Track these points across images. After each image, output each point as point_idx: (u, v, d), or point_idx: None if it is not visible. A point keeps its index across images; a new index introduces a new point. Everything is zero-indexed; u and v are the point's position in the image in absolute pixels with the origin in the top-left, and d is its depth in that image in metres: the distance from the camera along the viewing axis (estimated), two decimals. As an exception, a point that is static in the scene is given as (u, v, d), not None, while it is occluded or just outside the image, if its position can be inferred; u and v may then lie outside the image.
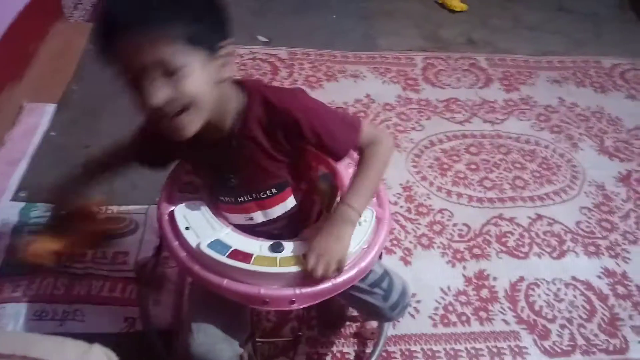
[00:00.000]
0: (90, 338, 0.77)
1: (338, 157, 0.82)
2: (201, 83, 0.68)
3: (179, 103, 0.67)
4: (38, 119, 1.57)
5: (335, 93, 1.80)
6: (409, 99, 1.83)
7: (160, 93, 0.66)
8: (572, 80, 2.01)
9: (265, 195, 0.83)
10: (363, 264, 0.79)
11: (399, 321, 1.15)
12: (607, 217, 1.48)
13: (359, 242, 0.79)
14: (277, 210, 0.85)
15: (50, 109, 1.61)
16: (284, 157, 0.80)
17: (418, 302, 1.21)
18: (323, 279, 0.74)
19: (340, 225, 0.77)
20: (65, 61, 1.81)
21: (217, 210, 0.85)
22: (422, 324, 1.18)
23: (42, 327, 1.07)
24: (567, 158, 1.67)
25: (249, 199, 0.83)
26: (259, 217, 0.85)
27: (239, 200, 0.83)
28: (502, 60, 2.08)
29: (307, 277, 0.74)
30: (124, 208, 1.33)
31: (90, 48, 1.89)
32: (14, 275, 1.15)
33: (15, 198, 1.33)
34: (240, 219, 0.85)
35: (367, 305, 0.89)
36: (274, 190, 0.82)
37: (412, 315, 1.19)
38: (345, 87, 1.85)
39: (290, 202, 0.85)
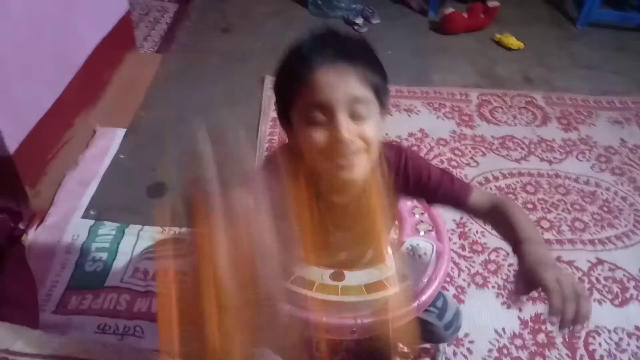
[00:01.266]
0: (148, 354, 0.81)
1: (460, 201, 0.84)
2: (376, 132, 0.73)
3: (359, 145, 0.71)
4: (109, 142, 1.67)
5: (389, 127, 1.82)
6: (464, 135, 1.83)
7: (351, 130, 0.70)
8: (635, 122, 1.95)
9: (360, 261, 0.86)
10: (423, 298, 0.79)
11: (450, 345, 1.13)
12: (675, 266, 1.41)
13: (418, 276, 0.80)
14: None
15: (120, 133, 1.71)
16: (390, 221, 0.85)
17: (471, 342, 1.19)
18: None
19: (546, 253, 0.72)
20: (135, 89, 1.93)
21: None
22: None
23: (104, 340, 1.12)
24: (630, 202, 1.61)
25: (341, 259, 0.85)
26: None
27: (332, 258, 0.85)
28: (560, 98, 2.05)
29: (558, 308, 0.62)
30: (184, 230, 1.38)
31: (158, 77, 2.02)
32: (81, 288, 1.22)
33: (85, 216, 1.41)
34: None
35: (422, 323, 0.89)
36: (369, 256, 0.86)
37: (465, 356, 1.16)
38: (399, 121, 1.87)
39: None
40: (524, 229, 0.74)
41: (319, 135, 0.70)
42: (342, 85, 0.69)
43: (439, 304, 0.90)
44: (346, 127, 0.69)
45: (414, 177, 0.82)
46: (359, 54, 0.72)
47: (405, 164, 0.82)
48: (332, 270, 0.80)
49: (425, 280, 0.81)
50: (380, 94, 0.74)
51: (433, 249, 0.84)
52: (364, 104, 0.70)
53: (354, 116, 0.70)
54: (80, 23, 1.66)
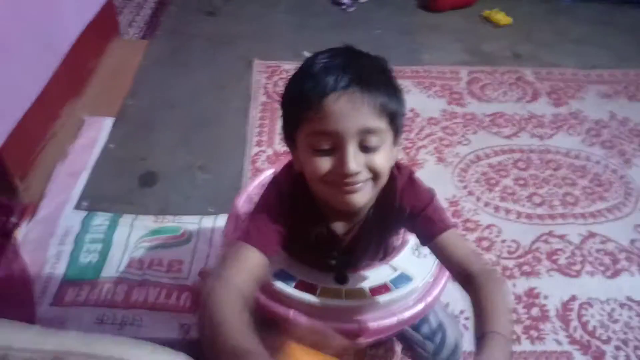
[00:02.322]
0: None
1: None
2: (387, 162, 0.70)
3: (366, 176, 0.68)
4: (97, 132, 1.65)
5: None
6: (454, 113, 1.83)
7: (359, 161, 0.66)
8: (624, 94, 1.96)
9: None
10: (430, 299, 0.79)
11: None
12: (664, 236, 1.43)
13: (424, 276, 0.79)
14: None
15: (108, 122, 1.69)
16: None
17: (467, 319, 1.20)
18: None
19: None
20: (121, 77, 1.91)
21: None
22: (472, 342, 1.16)
23: (102, 331, 1.12)
24: (620, 174, 1.62)
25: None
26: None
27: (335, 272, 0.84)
28: (550, 73, 2.05)
29: None
30: (178, 218, 1.38)
31: (144, 64, 1.99)
32: (77, 280, 1.21)
33: (78, 207, 1.40)
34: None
35: (416, 355, 0.89)
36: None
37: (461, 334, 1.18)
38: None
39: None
40: (497, 320, 0.64)
41: (324, 164, 0.67)
42: (354, 115, 0.64)
43: (437, 339, 0.87)
44: (354, 159, 0.65)
45: (411, 207, 0.77)
46: (377, 79, 0.67)
47: (408, 190, 0.77)
48: (334, 273, 0.80)
49: (431, 280, 0.81)
50: (396, 122, 0.69)
51: None
52: (376, 135, 0.66)
53: (364, 146, 0.66)
54: (62, 10, 1.62)
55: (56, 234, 1.31)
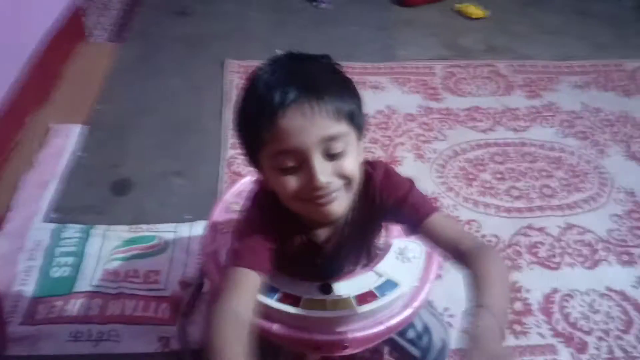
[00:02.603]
0: (125, 359, 0.78)
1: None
2: (356, 164, 0.67)
3: (338, 184, 0.66)
4: (65, 140, 1.59)
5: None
6: (430, 109, 1.83)
7: (327, 171, 0.64)
8: (595, 85, 1.99)
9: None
10: (416, 304, 0.77)
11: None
12: (639, 225, 1.45)
13: (410, 281, 0.78)
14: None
15: (76, 129, 1.63)
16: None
17: (451, 316, 1.20)
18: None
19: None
20: (89, 82, 1.85)
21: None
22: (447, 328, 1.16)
23: (78, 348, 1.08)
24: (594, 165, 1.64)
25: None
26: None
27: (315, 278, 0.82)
28: (522, 66, 2.06)
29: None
30: (153, 226, 1.34)
31: (114, 67, 1.93)
32: (49, 296, 1.17)
33: (47, 219, 1.35)
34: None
35: (405, 358, 0.88)
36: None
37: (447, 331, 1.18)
38: (365, 98, 1.83)
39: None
40: (489, 294, 0.61)
41: (293, 182, 0.64)
42: (312, 127, 0.61)
43: (423, 343, 0.86)
44: (321, 171, 0.63)
45: (393, 198, 0.75)
46: (326, 83, 0.64)
47: (386, 184, 0.75)
48: (318, 283, 0.78)
49: (417, 284, 0.79)
50: (356, 120, 0.67)
51: (422, 250, 0.82)
52: (338, 140, 0.64)
53: (329, 154, 0.64)
54: (23, 12, 1.56)
55: (25, 249, 1.26)
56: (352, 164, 0.66)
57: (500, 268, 0.67)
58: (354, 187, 0.69)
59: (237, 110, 0.69)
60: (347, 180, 0.66)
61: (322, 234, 0.77)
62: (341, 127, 0.64)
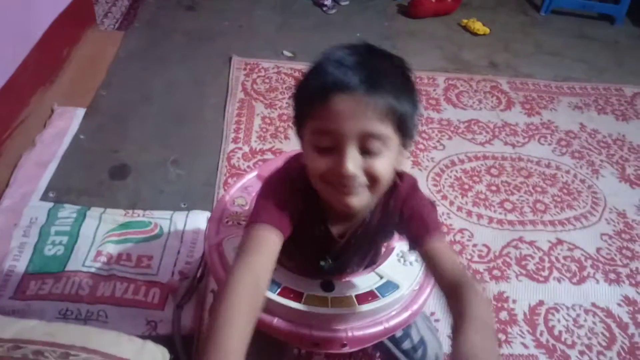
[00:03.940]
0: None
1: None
2: (389, 168, 0.67)
3: (364, 180, 0.66)
4: (68, 122, 1.60)
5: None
6: (431, 119, 1.85)
7: (357, 163, 0.64)
8: (594, 107, 2.02)
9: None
10: (415, 307, 0.78)
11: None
12: (628, 245, 1.47)
13: (410, 284, 0.79)
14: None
15: (80, 113, 1.65)
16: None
17: (437, 321, 1.21)
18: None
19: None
20: (95, 67, 1.86)
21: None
22: (442, 344, 1.17)
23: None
24: (588, 184, 1.66)
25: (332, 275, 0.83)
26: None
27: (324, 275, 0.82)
28: (524, 84, 2.09)
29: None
30: (149, 212, 1.35)
31: (120, 56, 1.94)
32: (40, 273, 1.17)
33: (44, 198, 1.35)
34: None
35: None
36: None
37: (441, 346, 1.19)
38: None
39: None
40: (476, 316, 0.60)
41: (323, 162, 0.65)
42: (357, 118, 0.62)
43: (418, 356, 0.87)
44: (352, 161, 0.63)
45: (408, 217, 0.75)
46: (388, 81, 0.64)
47: (410, 198, 0.75)
48: (321, 280, 0.78)
49: (417, 288, 0.80)
50: (406, 125, 0.66)
51: None
52: (378, 140, 0.64)
53: (365, 150, 0.64)
54: (35, -4, 1.58)
55: (20, 225, 1.27)
56: (384, 167, 0.66)
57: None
58: (379, 190, 0.69)
59: (302, 77, 0.70)
60: (374, 180, 0.66)
61: (338, 228, 0.77)
62: (384, 129, 0.64)
